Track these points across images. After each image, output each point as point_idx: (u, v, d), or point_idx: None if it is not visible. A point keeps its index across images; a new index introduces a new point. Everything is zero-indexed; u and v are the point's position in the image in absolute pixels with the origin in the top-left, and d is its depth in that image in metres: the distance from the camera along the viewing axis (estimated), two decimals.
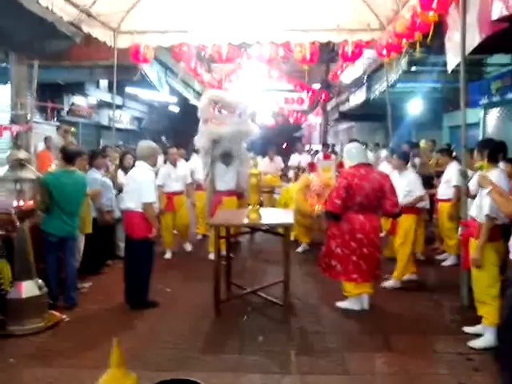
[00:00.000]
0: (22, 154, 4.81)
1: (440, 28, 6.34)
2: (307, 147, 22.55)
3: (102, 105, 16.55)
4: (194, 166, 8.48)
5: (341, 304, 5.29)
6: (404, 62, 9.29)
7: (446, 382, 3.67)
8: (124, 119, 19.24)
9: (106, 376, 1.12)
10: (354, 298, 5.22)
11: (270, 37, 9.36)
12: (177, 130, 22.81)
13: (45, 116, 13.31)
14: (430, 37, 5.79)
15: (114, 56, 9.36)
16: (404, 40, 6.71)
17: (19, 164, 4.72)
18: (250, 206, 5.05)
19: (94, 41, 8.97)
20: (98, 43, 9.52)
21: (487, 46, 6.22)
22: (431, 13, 5.89)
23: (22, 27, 8.02)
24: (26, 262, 4.77)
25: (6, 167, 4.86)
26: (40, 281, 4.87)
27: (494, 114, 11.04)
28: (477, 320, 4.47)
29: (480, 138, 10.32)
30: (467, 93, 10.33)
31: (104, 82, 15.67)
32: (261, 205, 7.20)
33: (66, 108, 14.42)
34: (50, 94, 13.40)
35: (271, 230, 5.67)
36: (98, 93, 15.83)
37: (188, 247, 8.07)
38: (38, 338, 4.52)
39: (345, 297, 5.32)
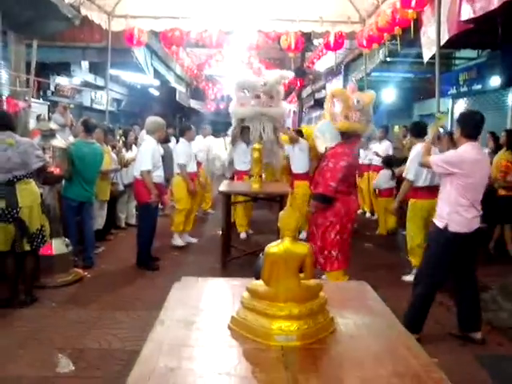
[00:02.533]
0: (53, 125, 5.39)
1: (416, 23, 7.11)
2: None
3: (85, 85, 16.85)
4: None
5: None
6: (382, 52, 10.07)
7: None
8: (104, 101, 19.49)
9: (284, 212, 1.87)
10: None
11: (258, 25, 10.02)
12: (155, 113, 23.14)
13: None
14: (412, 32, 6.51)
15: (106, 38, 9.86)
16: (385, 34, 7.44)
17: (51, 134, 5.30)
18: (253, 177, 5.78)
19: (87, 23, 9.44)
20: (90, 25, 9.99)
21: (456, 42, 6.99)
22: (410, 10, 6.68)
23: (26, 8, 8.40)
24: (56, 222, 5.38)
25: (38, 137, 5.44)
26: (67, 239, 5.49)
27: (462, 103, 11.98)
28: None
29: (449, 125, 11.25)
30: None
31: (85, 63, 15.98)
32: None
33: (52, 88, 14.70)
34: (36, 73, 13.65)
35: (269, 198, 6.42)
36: (82, 74, 16.12)
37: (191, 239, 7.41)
38: (69, 289, 5.16)
39: None
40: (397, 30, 7.21)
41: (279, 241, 1.87)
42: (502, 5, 4.46)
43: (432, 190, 5.44)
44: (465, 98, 11.75)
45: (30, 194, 4.54)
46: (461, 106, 12.02)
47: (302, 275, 1.85)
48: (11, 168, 4.40)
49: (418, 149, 5.45)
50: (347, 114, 6.86)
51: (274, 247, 1.84)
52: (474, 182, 3.81)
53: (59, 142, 5.37)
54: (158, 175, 6.02)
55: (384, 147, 9.04)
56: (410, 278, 5.63)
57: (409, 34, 6.97)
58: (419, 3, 6.47)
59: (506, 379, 3.46)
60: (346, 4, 9.27)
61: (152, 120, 6.21)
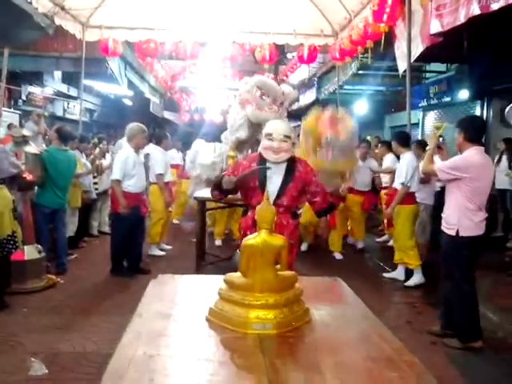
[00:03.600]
0: (26, 132, 5.35)
1: (387, 37, 7.29)
2: None
3: (58, 95, 16.70)
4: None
5: None
6: (354, 65, 10.27)
7: (396, 320, 4.57)
8: (77, 111, 19.33)
9: (260, 206, 1.91)
10: None
11: (233, 37, 10.16)
12: (128, 123, 22.99)
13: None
14: (382, 45, 6.69)
15: (80, 48, 9.83)
16: (359, 47, 7.62)
17: (23, 140, 5.26)
18: None
19: (61, 32, 9.39)
20: (64, 35, 9.93)
21: (427, 56, 7.20)
22: (382, 24, 6.86)
23: None
24: (28, 228, 5.31)
25: (10, 143, 5.39)
26: (39, 246, 5.42)
27: (432, 115, 12.29)
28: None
29: (419, 137, 11.52)
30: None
31: (58, 73, 15.83)
32: None
33: (23, 97, 14.52)
34: (7, 81, 13.47)
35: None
36: (55, 83, 15.98)
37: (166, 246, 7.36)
38: (41, 295, 5.07)
39: None
40: (368, 43, 7.40)
41: (256, 233, 1.92)
42: (468, 20, 4.64)
43: (414, 196, 5.65)
44: (435, 111, 12.05)
45: (0, 199, 4.48)
46: (431, 118, 12.32)
47: (278, 267, 1.90)
48: None
49: (407, 157, 5.61)
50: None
51: (251, 239, 1.90)
52: (481, 186, 3.86)
53: (32, 148, 5.33)
54: (132, 185, 5.82)
55: None
56: (390, 274, 5.96)
57: (380, 47, 7.14)
58: (391, 18, 6.66)
59: (475, 376, 3.56)
60: (319, 17, 9.48)
61: (129, 127, 6.15)
